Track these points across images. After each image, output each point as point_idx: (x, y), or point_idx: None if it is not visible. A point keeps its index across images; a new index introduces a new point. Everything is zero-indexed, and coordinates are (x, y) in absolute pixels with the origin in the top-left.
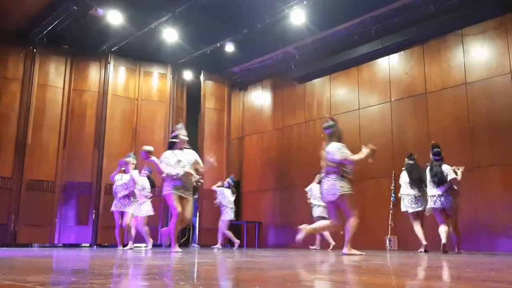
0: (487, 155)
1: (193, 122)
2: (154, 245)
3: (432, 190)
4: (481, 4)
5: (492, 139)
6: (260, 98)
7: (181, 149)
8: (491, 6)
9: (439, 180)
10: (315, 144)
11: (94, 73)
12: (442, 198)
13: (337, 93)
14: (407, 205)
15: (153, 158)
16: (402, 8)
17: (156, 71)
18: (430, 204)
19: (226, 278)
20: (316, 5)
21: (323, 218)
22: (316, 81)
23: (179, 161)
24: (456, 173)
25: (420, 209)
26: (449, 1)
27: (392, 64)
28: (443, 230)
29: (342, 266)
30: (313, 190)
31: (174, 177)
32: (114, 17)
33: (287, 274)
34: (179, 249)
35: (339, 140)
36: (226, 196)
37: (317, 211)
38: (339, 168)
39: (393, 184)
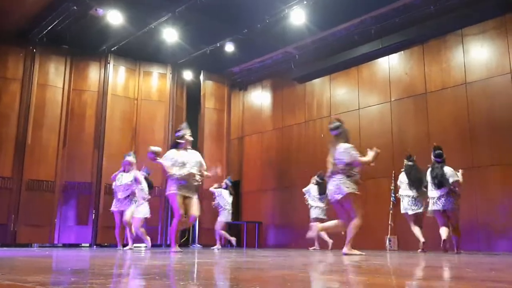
0: (487, 155)
1: (193, 122)
2: (153, 245)
3: (433, 192)
4: (481, 4)
5: (492, 139)
6: (260, 98)
7: (185, 149)
8: (491, 6)
9: (440, 182)
10: (315, 144)
11: (94, 73)
12: (443, 200)
13: (337, 93)
14: (407, 207)
15: (160, 160)
16: (402, 8)
17: (156, 71)
18: (431, 206)
19: (226, 278)
20: (316, 5)
21: (320, 220)
22: (316, 81)
23: (184, 161)
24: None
25: (419, 211)
26: (449, 1)
27: (392, 64)
28: (443, 230)
29: (342, 266)
30: (311, 191)
31: (179, 177)
32: (114, 17)
33: (287, 274)
34: (179, 249)
35: (347, 140)
36: (224, 198)
37: (314, 213)
38: (347, 169)
39: (393, 184)
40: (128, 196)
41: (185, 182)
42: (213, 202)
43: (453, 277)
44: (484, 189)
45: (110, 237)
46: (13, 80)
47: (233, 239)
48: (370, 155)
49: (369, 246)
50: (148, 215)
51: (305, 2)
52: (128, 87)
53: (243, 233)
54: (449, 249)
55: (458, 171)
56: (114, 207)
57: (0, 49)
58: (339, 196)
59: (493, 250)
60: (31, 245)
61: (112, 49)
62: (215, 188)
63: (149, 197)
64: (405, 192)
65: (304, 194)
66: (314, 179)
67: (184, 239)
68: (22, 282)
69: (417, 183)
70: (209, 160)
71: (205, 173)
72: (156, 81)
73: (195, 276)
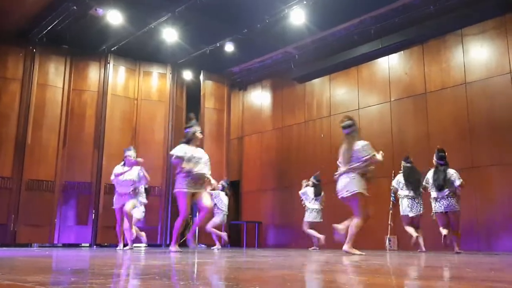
0: (487, 155)
1: None
2: (153, 245)
3: (435, 194)
4: (481, 4)
5: (491, 139)
6: (259, 98)
7: (196, 146)
8: (491, 6)
9: (442, 184)
10: (315, 144)
11: (93, 73)
12: (445, 202)
13: (336, 93)
14: (407, 209)
15: (175, 153)
16: (402, 8)
17: (155, 71)
18: (433, 208)
19: (226, 278)
20: (316, 5)
21: (315, 223)
22: (316, 81)
23: (198, 157)
24: None
25: (419, 213)
26: (449, 1)
27: (391, 64)
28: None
29: (342, 266)
30: (308, 193)
31: (192, 172)
32: (114, 17)
33: (287, 274)
34: (179, 249)
35: (359, 138)
36: (221, 199)
37: (310, 216)
38: (362, 167)
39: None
40: (129, 192)
41: (194, 178)
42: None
43: (453, 277)
44: (484, 189)
45: (110, 237)
46: (13, 80)
47: (224, 234)
48: (379, 156)
49: (369, 246)
50: (141, 218)
51: (305, 2)
52: (128, 87)
53: (243, 233)
54: (449, 245)
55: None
56: (116, 204)
57: (0, 49)
58: (347, 194)
59: (493, 250)
60: (31, 245)
61: (112, 49)
62: (211, 189)
63: (146, 202)
64: (405, 193)
65: (301, 197)
66: (311, 180)
67: (184, 239)
68: (22, 282)
69: (415, 184)
70: None
71: (211, 180)
72: (156, 81)
73: (195, 276)
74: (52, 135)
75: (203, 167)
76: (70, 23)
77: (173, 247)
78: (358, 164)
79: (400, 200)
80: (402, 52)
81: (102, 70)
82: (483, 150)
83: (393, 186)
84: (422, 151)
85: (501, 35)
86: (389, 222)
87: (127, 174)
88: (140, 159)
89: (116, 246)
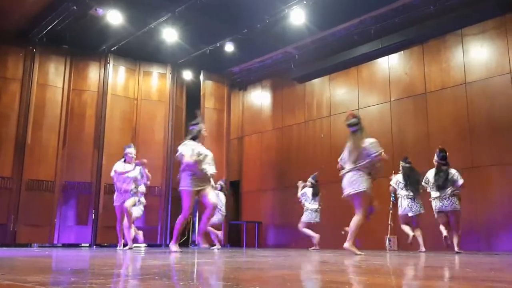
0: (487, 155)
1: None
2: (153, 245)
3: (436, 193)
4: (481, 4)
5: (491, 139)
6: (259, 98)
7: (202, 144)
8: (491, 6)
9: (444, 183)
10: (315, 144)
11: (93, 73)
12: (445, 201)
13: (336, 93)
14: (407, 209)
15: (183, 151)
16: (402, 8)
17: (155, 71)
18: (433, 207)
19: (226, 278)
20: (316, 5)
21: (313, 224)
22: (316, 81)
23: (204, 155)
24: None
25: (419, 212)
26: (449, 1)
27: (391, 64)
28: (443, 228)
29: (342, 266)
30: (307, 193)
31: (198, 169)
32: (114, 17)
33: (287, 274)
34: (179, 249)
35: (366, 136)
36: (220, 200)
37: (309, 217)
38: (370, 164)
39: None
40: (130, 189)
41: (199, 175)
42: None
43: (453, 277)
44: (484, 189)
45: (110, 237)
46: (13, 80)
47: (219, 233)
48: (385, 155)
49: (369, 246)
50: (140, 215)
51: (304, 2)
52: (128, 87)
53: (243, 233)
54: (449, 245)
55: None
56: (116, 202)
57: (0, 49)
58: (352, 191)
59: (493, 250)
60: (31, 245)
61: (112, 49)
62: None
63: (145, 202)
64: (405, 193)
65: (299, 199)
66: (309, 181)
67: (184, 239)
68: (22, 282)
69: (415, 184)
70: None
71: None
72: (156, 81)
73: (195, 276)
74: (52, 135)
75: (210, 165)
76: (70, 23)
77: (173, 246)
78: (367, 161)
79: (399, 200)
80: (402, 52)
81: (102, 70)
82: (483, 150)
83: (392, 186)
84: (422, 151)
85: (501, 35)
86: (389, 222)
87: (130, 172)
88: (144, 160)
89: (116, 246)
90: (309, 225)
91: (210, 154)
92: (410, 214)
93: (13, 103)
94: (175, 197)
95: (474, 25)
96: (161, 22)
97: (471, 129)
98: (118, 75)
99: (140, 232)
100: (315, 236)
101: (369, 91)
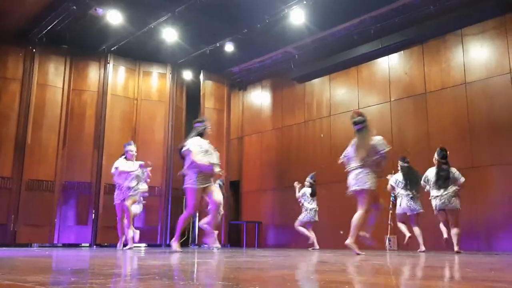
0: (487, 155)
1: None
2: (153, 245)
3: (436, 192)
4: (481, 4)
5: (491, 139)
6: (259, 98)
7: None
8: (491, 6)
9: (446, 182)
10: (315, 144)
11: (93, 73)
12: (446, 200)
13: (336, 93)
14: (406, 208)
15: (190, 149)
16: (402, 8)
17: (155, 71)
18: (434, 206)
19: (226, 278)
20: (316, 5)
21: (311, 223)
22: (316, 81)
23: (210, 152)
24: None
25: (418, 211)
26: (449, 1)
27: (391, 64)
28: (444, 228)
29: (342, 266)
30: (306, 193)
31: (205, 165)
32: (114, 17)
33: (287, 274)
34: (179, 248)
35: (372, 133)
36: None
37: (308, 216)
38: (376, 163)
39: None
40: (132, 187)
41: (207, 173)
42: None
43: (453, 277)
44: (484, 189)
45: (110, 237)
46: (13, 80)
47: (215, 232)
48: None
49: (369, 246)
50: (139, 213)
51: (304, 2)
52: (128, 87)
53: (243, 233)
54: (448, 250)
55: None
56: (116, 200)
57: (0, 49)
58: (357, 188)
59: (493, 250)
60: (31, 245)
61: (112, 49)
62: None
63: (145, 202)
64: (404, 192)
65: (299, 199)
66: (307, 180)
67: (184, 238)
68: (22, 282)
69: (414, 183)
70: None
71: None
72: (156, 81)
73: (195, 276)
74: (52, 135)
75: (216, 161)
76: (70, 23)
77: (175, 243)
78: (375, 158)
79: (399, 199)
80: (402, 52)
81: (102, 70)
82: (483, 150)
83: (390, 185)
84: (422, 151)
85: (501, 35)
86: (389, 222)
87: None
88: (149, 162)
89: (116, 246)
90: (308, 225)
91: (216, 153)
92: (409, 213)
93: (13, 103)
94: (175, 197)
95: (474, 25)
96: (161, 22)
97: (471, 129)
98: (118, 75)
99: (137, 231)
100: (311, 236)
101: (369, 91)
